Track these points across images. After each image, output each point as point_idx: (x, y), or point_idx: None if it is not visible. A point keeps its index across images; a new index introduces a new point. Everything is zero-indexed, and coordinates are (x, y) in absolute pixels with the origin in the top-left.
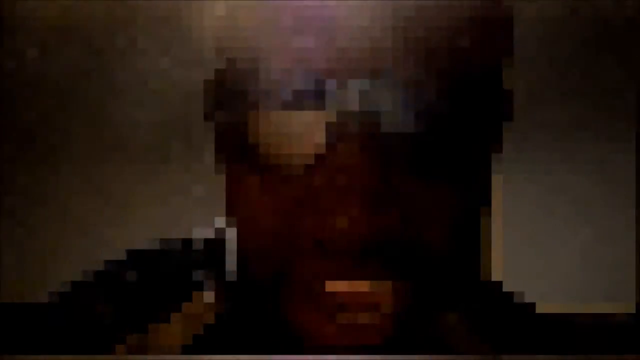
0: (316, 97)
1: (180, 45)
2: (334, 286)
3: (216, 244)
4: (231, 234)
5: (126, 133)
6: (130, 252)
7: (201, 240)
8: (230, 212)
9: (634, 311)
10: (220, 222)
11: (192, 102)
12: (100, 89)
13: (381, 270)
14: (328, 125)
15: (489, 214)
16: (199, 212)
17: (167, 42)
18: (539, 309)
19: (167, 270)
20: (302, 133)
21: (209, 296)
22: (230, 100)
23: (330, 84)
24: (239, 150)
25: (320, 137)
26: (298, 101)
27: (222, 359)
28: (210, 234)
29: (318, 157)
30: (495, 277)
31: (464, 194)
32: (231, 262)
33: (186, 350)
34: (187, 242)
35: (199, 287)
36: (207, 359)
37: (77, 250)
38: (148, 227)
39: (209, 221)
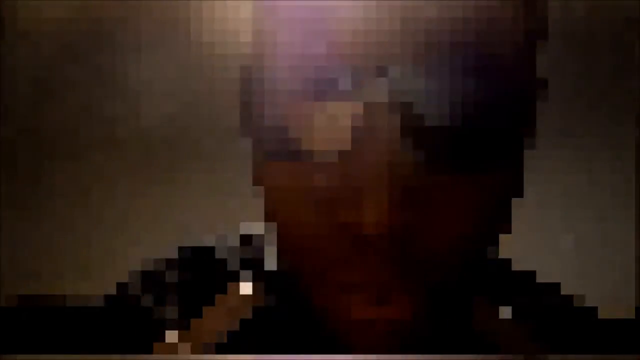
0: (344, 89)
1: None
2: (364, 279)
3: (252, 242)
4: (259, 235)
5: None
6: (180, 250)
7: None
8: (268, 209)
9: (633, 313)
10: (245, 227)
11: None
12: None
13: (413, 264)
14: (354, 117)
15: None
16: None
17: (178, 43)
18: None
19: (207, 269)
20: (330, 125)
21: (246, 288)
22: (263, 98)
23: (360, 76)
24: (274, 147)
25: (346, 130)
26: (327, 93)
27: (238, 359)
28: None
29: (345, 150)
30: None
31: (496, 184)
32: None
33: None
34: (224, 240)
35: (236, 280)
36: (223, 359)
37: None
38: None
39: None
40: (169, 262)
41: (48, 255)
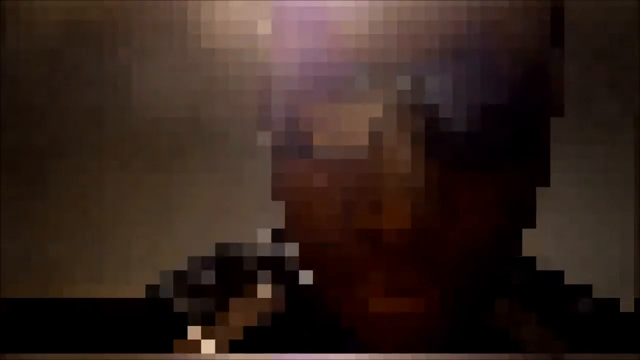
0: (361, 89)
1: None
2: (384, 276)
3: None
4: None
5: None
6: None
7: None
8: (288, 212)
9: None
10: (264, 234)
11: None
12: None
13: (433, 262)
14: (372, 120)
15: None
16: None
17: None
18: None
19: (231, 272)
20: (348, 125)
21: (266, 291)
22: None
23: (377, 76)
24: (293, 144)
25: (364, 132)
26: (344, 93)
27: (258, 358)
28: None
29: (364, 149)
30: None
31: (522, 179)
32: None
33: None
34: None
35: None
36: (228, 359)
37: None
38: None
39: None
40: (193, 265)
41: (51, 257)
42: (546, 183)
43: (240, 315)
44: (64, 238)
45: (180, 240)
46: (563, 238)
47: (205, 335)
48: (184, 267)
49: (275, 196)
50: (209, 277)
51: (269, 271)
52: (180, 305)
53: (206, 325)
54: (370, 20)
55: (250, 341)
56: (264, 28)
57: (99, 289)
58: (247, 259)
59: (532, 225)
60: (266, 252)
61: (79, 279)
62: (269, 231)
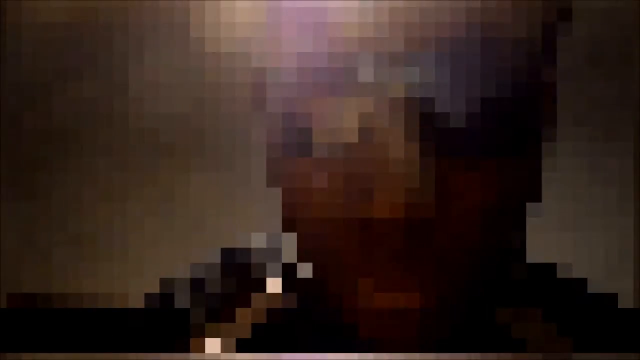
0: (356, 84)
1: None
2: (380, 269)
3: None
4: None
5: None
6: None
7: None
8: (285, 207)
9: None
10: (257, 238)
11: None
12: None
13: (430, 254)
14: (362, 114)
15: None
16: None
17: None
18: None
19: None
20: (344, 118)
21: (271, 285)
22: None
23: (374, 70)
24: (290, 140)
25: (354, 124)
26: (342, 88)
27: (244, 358)
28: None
29: (357, 144)
30: None
31: (513, 175)
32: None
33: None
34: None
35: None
36: (233, 359)
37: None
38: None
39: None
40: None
41: (51, 256)
42: (551, 167)
43: (245, 313)
44: (64, 237)
45: (179, 240)
46: (562, 237)
47: (209, 334)
48: (183, 266)
49: (271, 182)
50: (213, 275)
51: (264, 263)
52: (183, 302)
53: (211, 323)
54: (361, 13)
55: (251, 340)
56: (259, 19)
57: (98, 288)
58: (238, 251)
59: (538, 198)
60: (262, 250)
61: (79, 278)
62: (262, 235)
